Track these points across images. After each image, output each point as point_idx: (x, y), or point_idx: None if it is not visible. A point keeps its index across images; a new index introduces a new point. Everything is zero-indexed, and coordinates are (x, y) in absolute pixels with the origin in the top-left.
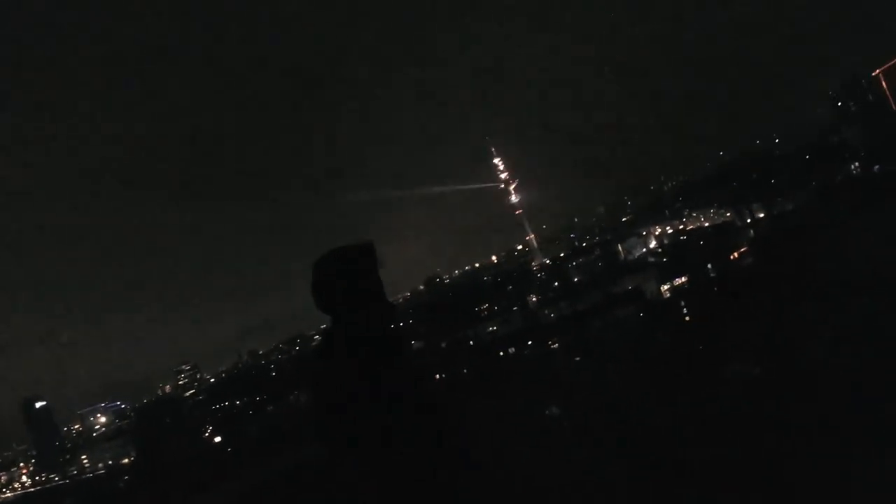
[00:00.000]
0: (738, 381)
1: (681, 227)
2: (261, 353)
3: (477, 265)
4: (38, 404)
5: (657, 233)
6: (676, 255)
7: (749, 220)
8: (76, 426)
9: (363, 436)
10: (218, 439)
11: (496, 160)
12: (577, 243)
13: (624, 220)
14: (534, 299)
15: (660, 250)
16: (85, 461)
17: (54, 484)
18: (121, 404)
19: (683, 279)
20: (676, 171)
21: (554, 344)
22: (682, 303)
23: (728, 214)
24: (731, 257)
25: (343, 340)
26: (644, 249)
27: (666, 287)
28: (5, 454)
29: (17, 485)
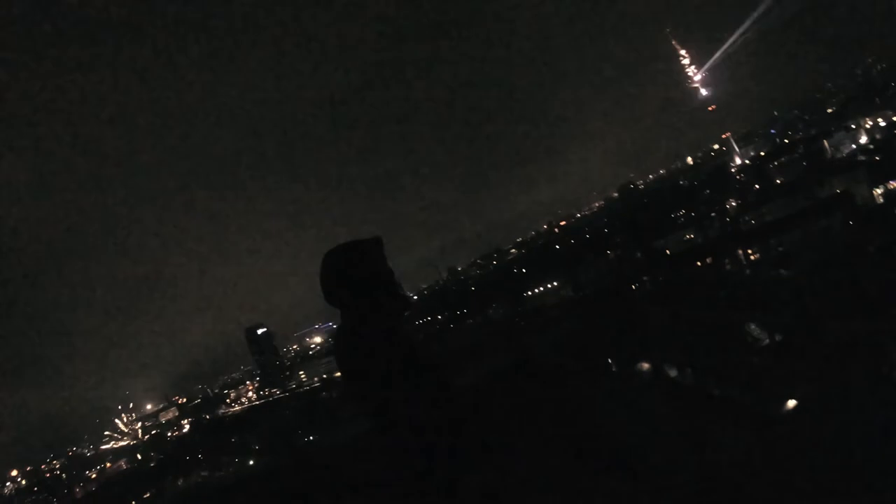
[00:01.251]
0: None
1: (895, 118)
2: (459, 269)
3: (671, 168)
4: (259, 331)
5: (868, 126)
6: (892, 152)
7: None
8: (294, 346)
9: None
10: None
11: (682, 53)
12: (777, 140)
13: (829, 111)
14: (733, 204)
15: (871, 146)
16: (302, 376)
17: (276, 397)
18: (332, 325)
19: None
20: (885, 51)
21: (755, 254)
22: None
23: None
24: None
25: (353, 333)
26: (853, 146)
27: (880, 190)
28: (233, 375)
29: (244, 399)
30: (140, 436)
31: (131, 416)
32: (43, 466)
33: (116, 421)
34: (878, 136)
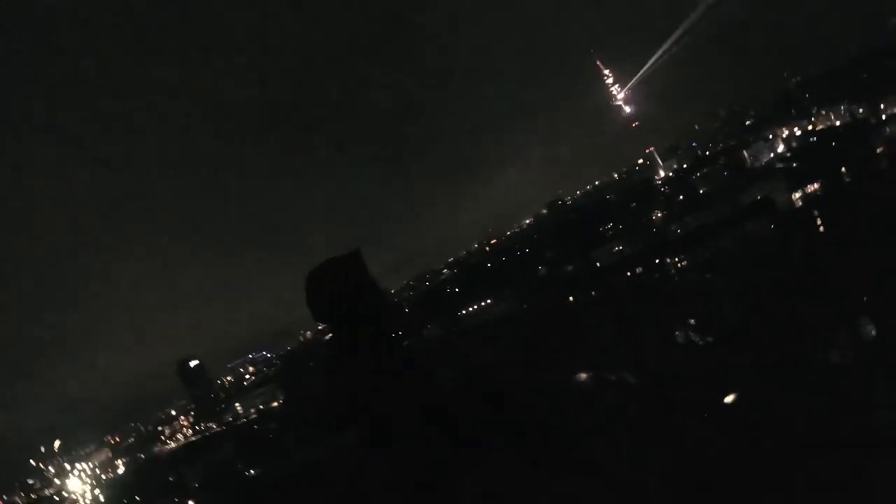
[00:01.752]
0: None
1: (810, 127)
2: (392, 291)
3: (597, 183)
4: (192, 363)
5: (784, 135)
6: (807, 159)
7: (884, 118)
8: (228, 378)
9: (375, 427)
10: None
11: (605, 73)
12: (699, 152)
13: (747, 123)
14: (659, 215)
15: (788, 154)
16: (238, 408)
17: (213, 431)
18: (266, 353)
19: (816, 186)
20: (800, 64)
21: (682, 262)
22: (816, 213)
23: (861, 111)
24: (870, 159)
25: (346, 345)
26: (772, 154)
27: (798, 195)
28: (167, 410)
29: (179, 435)
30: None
31: (60, 459)
32: None
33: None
34: (794, 145)
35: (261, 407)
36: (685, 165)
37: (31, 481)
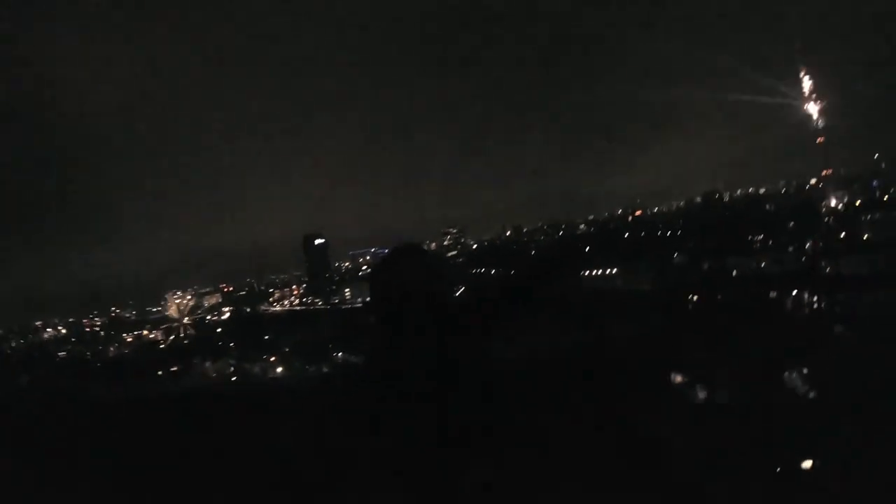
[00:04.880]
0: None
1: None
2: (525, 229)
3: (761, 191)
4: (317, 241)
5: None
6: None
7: None
8: (346, 263)
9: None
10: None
11: (806, 73)
12: (877, 193)
13: None
14: (813, 245)
15: None
16: (347, 294)
17: (317, 307)
18: (387, 251)
19: None
20: None
21: (820, 303)
22: None
23: None
24: None
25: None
26: None
27: None
28: (282, 276)
29: (286, 301)
30: (182, 315)
31: (177, 294)
32: (85, 321)
33: (166, 297)
34: None
35: (367, 300)
36: (858, 202)
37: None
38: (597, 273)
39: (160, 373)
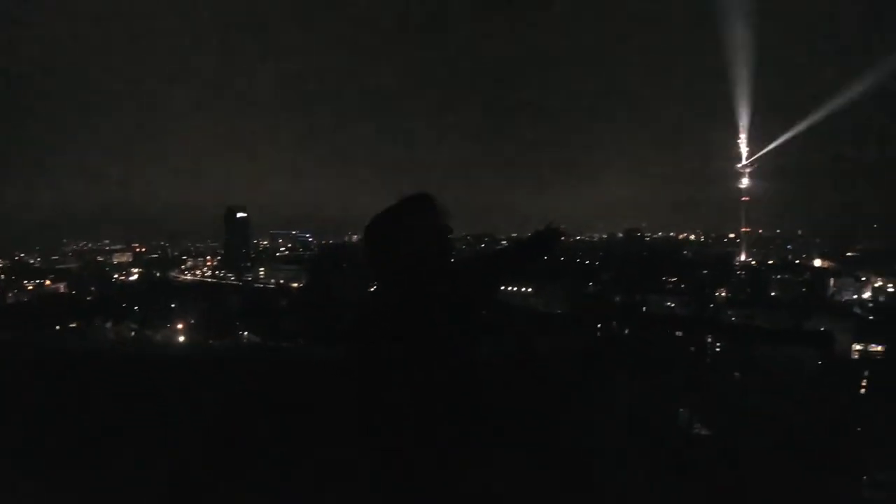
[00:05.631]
0: None
1: None
2: (450, 237)
3: (681, 236)
4: (239, 214)
5: (877, 284)
6: (885, 320)
7: None
8: (265, 242)
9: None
10: None
11: (741, 137)
12: (790, 257)
13: (849, 254)
14: (722, 294)
15: (871, 304)
16: (261, 272)
17: (229, 282)
18: (309, 237)
19: (880, 348)
20: None
21: (720, 349)
22: (866, 372)
23: None
24: None
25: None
26: (855, 296)
27: (858, 347)
28: (198, 245)
29: (198, 272)
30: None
31: (86, 245)
32: None
33: (73, 248)
34: (881, 299)
35: (281, 281)
36: (770, 262)
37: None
38: (511, 290)
39: (58, 327)
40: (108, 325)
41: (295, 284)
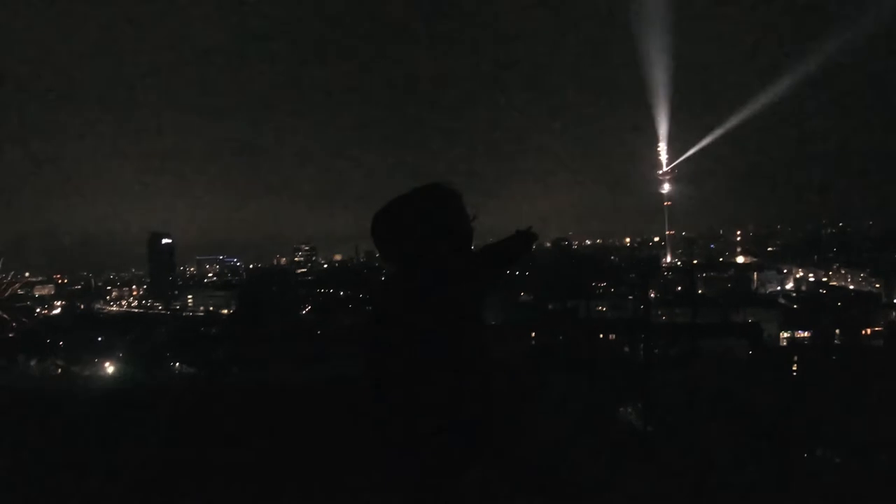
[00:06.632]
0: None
1: (824, 279)
2: (377, 254)
3: (607, 242)
4: (164, 240)
5: (798, 275)
6: (808, 308)
7: None
8: (192, 268)
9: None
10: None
11: (661, 145)
12: (714, 255)
13: (770, 249)
14: (652, 295)
15: (794, 294)
16: (190, 301)
17: (156, 312)
18: (236, 262)
19: (806, 334)
20: (842, 219)
21: (654, 348)
22: (795, 357)
23: (877, 285)
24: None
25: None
26: (778, 287)
27: (786, 335)
28: (122, 275)
29: (124, 303)
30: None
31: (6, 277)
32: None
33: None
34: (803, 288)
35: (210, 308)
36: (695, 262)
37: None
38: None
39: None
40: (32, 363)
41: (225, 311)
